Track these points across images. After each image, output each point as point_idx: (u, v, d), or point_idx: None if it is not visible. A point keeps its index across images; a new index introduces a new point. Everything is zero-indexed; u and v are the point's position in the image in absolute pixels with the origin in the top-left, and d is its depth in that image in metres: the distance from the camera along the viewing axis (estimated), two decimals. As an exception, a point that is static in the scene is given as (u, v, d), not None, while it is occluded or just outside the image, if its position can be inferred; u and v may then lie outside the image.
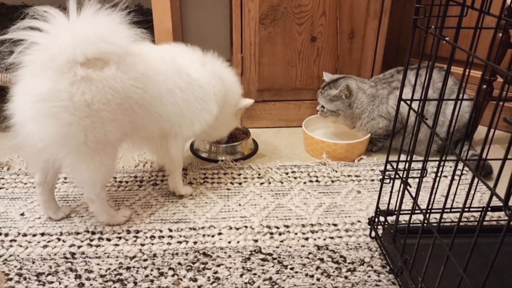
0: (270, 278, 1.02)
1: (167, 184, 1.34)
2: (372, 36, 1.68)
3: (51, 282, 1.00)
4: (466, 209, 1.13)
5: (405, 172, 0.93)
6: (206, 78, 1.24)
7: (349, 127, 1.62)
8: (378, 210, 1.12)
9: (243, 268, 1.05)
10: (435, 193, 0.94)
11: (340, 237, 1.17)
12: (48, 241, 1.13)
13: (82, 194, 1.28)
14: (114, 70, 0.98)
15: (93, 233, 1.16)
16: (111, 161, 1.09)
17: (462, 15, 0.75)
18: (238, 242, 1.14)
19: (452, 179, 0.80)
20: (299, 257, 1.09)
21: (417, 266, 0.90)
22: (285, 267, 1.06)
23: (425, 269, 0.83)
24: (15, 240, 1.13)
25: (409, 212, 0.97)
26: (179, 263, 1.06)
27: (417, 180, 0.91)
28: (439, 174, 0.86)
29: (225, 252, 1.10)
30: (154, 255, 1.09)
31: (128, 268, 1.04)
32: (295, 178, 1.44)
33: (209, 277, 1.02)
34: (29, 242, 1.12)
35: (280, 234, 1.17)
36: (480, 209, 1.14)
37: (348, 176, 1.46)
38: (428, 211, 0.92)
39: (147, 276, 1.02)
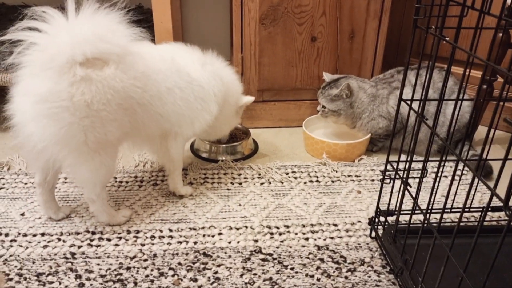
0: (270, 278, 1.02)
1: (167, 184, 1.34)
2: (372, 36, 1.68)
3: (51, 282, 1.00)
4: (466, 209, 1.13)
5: (406, 172, 0.93)
6: (206, 78, 1.24)
7: (349, 127, 1.62)
8: (379, 210, 1.12)
9: (243, 268, 1.05)
10: (435, 193, 0.94)
11: (340, 237, 1.17)
12: (49, 241, 1.13)
13: (83, 194, 1.28)
14: (114, 69, 0.98)
15: (93, 233, 1.16)
16: (111, 161, 1.09)
17: (462, 15, 0.74)
18: (238, 242, 1.14)
19: (453, 179, 0.80)
20: (299, 257, 1.09)
21: (417, 266, 0.90)
22: (285, 267, 1.06)
23: (425, 269, 0.83)
24: (15, 240, 1.13)
25: (410, 212, 0.97)
26: (179, 263, 1.06)
27: (417, 180, 0.91)
28: (439, 174, 0.86)
29: (225, 252, 1.10)
30: (154, 255, 1.09)
31: (128, 268, 1.04)
32: (295, 178, 1.44)
33: (209, 277, 1.02)
34: (30, 242, 1.12)
35: (280, 234, 1.17)
36: (481, 209, 1.14)
37: (349, 176, 1.46)
38: (428, 211, 0.92)
39: (147, 276, 1.02)
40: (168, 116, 1.17)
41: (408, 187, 0.93)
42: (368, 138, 1.58)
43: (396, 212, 1.00)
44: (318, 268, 1.06)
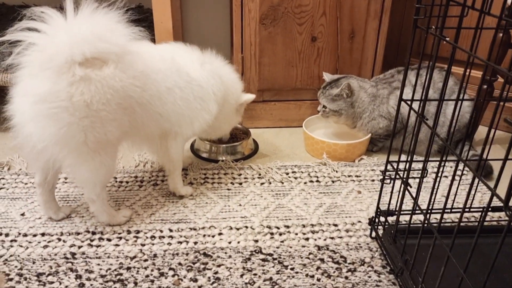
0: (271, 279, 1.02)
1: (167, 184, 1.34)
2: (372, 36, 1.68)
3: (52, 282, 1.00)
4: (466, 210, 1.13)
5: (406, 172, 0.93)
6: (205, 77, 1.24)
7: (349, 127, 1.62)
8: (379, 210, 1.12)
9: (244, 268, 1.05)
10: (436, 194, 0.94)
11: (340, 237, 1.17)
12: (49, 241, 1.13)
13: (83, 194, 1.28)
14: (113, 69, 0.98)
15: (93, 233, 1.16)
16: (111, 161, 1.09)
17: (462, 15, 0.74)
18: (238, 242, 1.14)
19: (453, 179, 0.80)
20: (299, 258, 1.09)
21: (418, 267, 0.90)
22: (286, 267, 1.06)
23: (425, 269, 0.83)
24: (15, 240, 1.13)
25: (410, 212, 0.97)
26: (180, 263, 1.06)
27: (417, 180, 0.91)
28: (439, 175, 0.86)
29: (226, 252, 1.10)
30: (155, 255, 1.09)
31: (128, 268, 1.04)
32: (295, 178, 1.44)
33: (209, 278, 1.02)
34: (30, 242, 1.12)
35: (280, 234, 1.17)
36: (481, 209, 1.14)
37: (349, 176, 1.46)
38: (429, 211, 0.92)
39: (147, 276, 1.02)
40: (168, 115, 1.17)
41: (408, 187, 0.93)
42: (368, 138, 1.58)
43: (396, 212, 1.00)
44: (318, 268, 1.06)
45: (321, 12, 1.61)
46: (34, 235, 1.15)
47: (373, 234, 1.16)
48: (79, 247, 1.11)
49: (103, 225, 1.19)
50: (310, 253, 1.10)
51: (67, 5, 0.93)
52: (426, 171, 0.89)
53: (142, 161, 1.51)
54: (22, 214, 1.23)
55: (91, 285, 1.00)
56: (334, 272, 1.04)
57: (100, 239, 1.14)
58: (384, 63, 1.76)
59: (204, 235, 1.16)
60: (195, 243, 1.13)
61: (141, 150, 1.48)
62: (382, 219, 1.13)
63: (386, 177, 1.03)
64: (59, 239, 1.14)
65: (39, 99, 0.94)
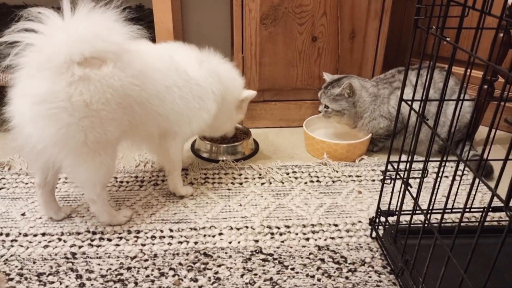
0: (271, 279, 1.02)
1: (167, 184, 1.34)
2: (373, 36, 1.68)
3: (52, 282, 1.00)
4: (467, 210, 1.13)
5: (406, 172, 0.93)
6: (204, 76, 1.23)
7: (350, 127, 1.62)
8: (379, 210, 1.12)
9: (244, 268, 1.05)
10: (436, 194, 0.94)
11: (341, 237, 1.17)
12: (49, 241, 1.13)
13: (83, 194, 1.28)
14: (112, 68, 0.98)
15: (94, 233, 1.16)
16: (111, 161, 1.09)
17: (463, 16, 0.74)
18: (239, 242, 1.14)
19: (453, 179, 0.80)
20: (299, 258, 1.09)
21: (418, 267, 0.89)
22: (286, 267, 1.06)
23: (426, 269, 0.83)
24: (16, 240, 1.13)
25: (410, 212, 0.97)
26: (180, 263, 1.06)
27: (418, 180, 0.91)
28: (440, 175, 0.86)
29: (226, 253, 1.10)
30: (155, 255, 1.09)
31: (129, 268, 1.05)
32: (296, 178, 1.44)
33: (209, 278, 1.02)
34: (30, 242, 1.12)
35: (281, 234, 1.17)
36: (481, 209, 1.14)
37: (349, 176, 1.46)
38: (429, 211, 0.92)
39: (148, 276, 1.02)
40: (167, 115, 1.17)
41: (409, 188, 0.93)
42: (368, 138, 1.58)
43: (396, 213, 1.00)
44: (318, 268, 1.06)
45: (321, 12, 1.61)
46: (35, 235, 1.15)
47: (374, 234, 1.16)
48: (80, 247, 1.11)
49: (104, 225, 1.19)
50: (310, 253, 1.10)
51: (64, 5, 0.93)
52: (426, 171, 0.89)
53: (143, 161, 1.51)
54: (23, 214, 1.23)
55: (92, 285, 1.00)
56: (334, 272, 1.04)
57: (101, 239, 1.14)
58: (384, 63, 1.76)
59: (204, 235, 1.16)
60: (196, 243, 1.13)
61: (140, 149, 1.47)
62: (382, 219, 1.12)
63: (386, 177, 1.03)
64: (60, 239, 1.14)
65: (38, 100, 0.93)
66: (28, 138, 0.97)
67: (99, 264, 1.06)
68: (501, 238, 0.61)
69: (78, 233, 1.16)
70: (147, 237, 1.15)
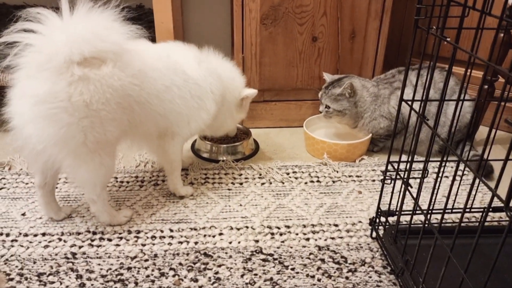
0: (271, 279, 1.02)
1: (167, 185, 1.33)
2: (373, 36, 1.68)
3: (52, 282, 1.00)
4: (467, 210, 1.13)
5: (406, 172, 0.93)
6: (203, 76, 1.23)
7: (350, 127, 1.62)
8: (379, 210, 1.12)
9: (244, 268, 1.05)
10: (436, 194, 0.94)
11: (341, 237, 1.17)
12: (49, 241, 1.13)
13: (83, 194, 1.28)
14: (111, 68, 0.98)
15: (94, 233, 1.16)
16: (110, 161, 1.09)
17: (463, 16, 0.74)
18: (239, 242, 1.14)
19: (453, 179, 0.80)
20: (300, 258, 1.09)
21: (418, 267, 0.89)
22: (286, 267, 1.06)
23: (426, 269, 0.83)
24: (16, 240, 1.13)
25: (410, 212, 0.97)
26: (180, 264, 1.06)
27: (418, 180, 0.91)
28: (440, 175, 0.86)
29: (226, 253, 1.10)
30: (155, 255, 1.09)
31: (129, 268, 1.05)
32: (296, 178, 1.44)
33: (210, 278, 1.02)
34: (30, 242, 1.12)
35: (281, 234, 1.17)
36: (481, 210, 1.14)
37: (349, 176, 1.46)
38: (429, 211, 0.92)
39: (148, 276, 1.02)
40: (166, 114, 1.17)
41: (409, 188, 0.93)
42: (369, 138, 1.58)
43: (397, 213, 1.00)
44: (319, 268, 1.06)
45: (321, 12, 1.61)
46: (35, 235, 1.15)
47: (374, 234, 1.16)
48: (80, 247, 1.11)
49: (104, 225, 1.19)
50: (310, 253, 1.10)
51: (62, 5, 0.93)
52: (426, 172, 0.89)
53: (143, 161, 1.51)
54: (23, 214, 1.23)
55: (92, 285, 1.00)
56: (334, 272, 1.04)
57: (101, 239, 1.14)
58: (385, 63, 1.76)
59: (204, 235, 1.16)
60: (196, 243, 1.13)
61: (140, 149, 1.48)
62: (382, 219, 1.12)
63: (386, 177, 1.03)
64: (60, 239, 1.14)
65: (38, 100, 0.93)
66: (28, 138, 0.97)
67: (99, 264, 1.06)
68: (501, 238, 0.61)
69: (79, 233, 1.16)
70: (147, 237, 1.15)
